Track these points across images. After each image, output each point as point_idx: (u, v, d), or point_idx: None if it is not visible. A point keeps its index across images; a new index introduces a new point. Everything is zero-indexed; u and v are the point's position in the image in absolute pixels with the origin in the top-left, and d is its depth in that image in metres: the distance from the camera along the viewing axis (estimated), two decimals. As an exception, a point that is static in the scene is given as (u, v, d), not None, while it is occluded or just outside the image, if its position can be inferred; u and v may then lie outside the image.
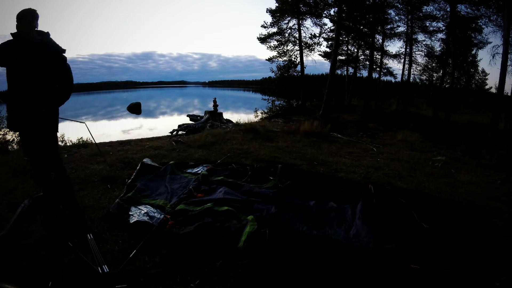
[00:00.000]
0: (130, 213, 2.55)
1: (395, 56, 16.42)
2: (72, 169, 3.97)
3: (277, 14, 15.11)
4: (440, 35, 14.85)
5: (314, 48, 15.89)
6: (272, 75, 17.20)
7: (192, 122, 13.12)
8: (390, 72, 17.26)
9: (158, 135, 8.81)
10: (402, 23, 15.26)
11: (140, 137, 7.66)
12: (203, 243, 2.19)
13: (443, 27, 14.27)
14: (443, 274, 1.91)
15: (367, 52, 16.72)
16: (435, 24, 14.53)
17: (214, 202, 2.78)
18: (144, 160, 3.98)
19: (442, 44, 15.09)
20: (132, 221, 2.40)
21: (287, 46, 15.99)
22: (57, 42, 2.46)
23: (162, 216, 2.54)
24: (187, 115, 16.92)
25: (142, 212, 2.55)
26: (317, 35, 15.54)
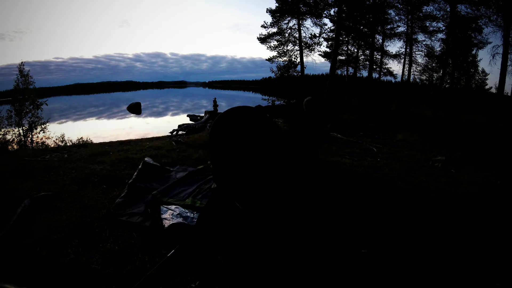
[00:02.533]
0: (161, 212, 2.51)
1: (395, 56, 16.44)
2: (72, 169, 3.97)
3: (277, 14, 15.13)
4: (440, 35, 14.90)
5: (314, 48, 15.92)
6: (272, 75, 17.22)
7: (192, 122, 13.12)
8: (390, 72, 17.27)
9: (158, 135, 8.82)
10: (402, 23, 15.30)
11: (140, 137, 7.67)
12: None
13: (443, 27, 14.30)
14: None
15: (367, 52, 16.74)
16: (435, 24, 14.57)
17: None
18: (146, 159, 3.97)
19: (442, 44, 15.12)
20: (168, 224, 2.33)
21: (287, 46, 16.01)
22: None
23: (196, 214, 2.53)
24: (187, 115, 16.92)
25: (175, 213, 2.50)
26: (317, 35, 15.57)
